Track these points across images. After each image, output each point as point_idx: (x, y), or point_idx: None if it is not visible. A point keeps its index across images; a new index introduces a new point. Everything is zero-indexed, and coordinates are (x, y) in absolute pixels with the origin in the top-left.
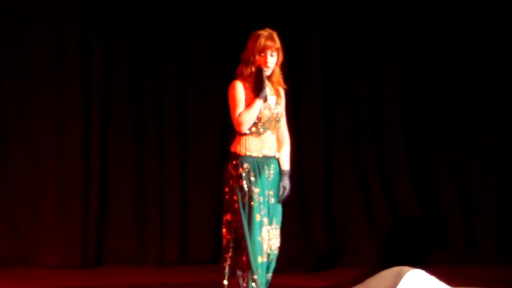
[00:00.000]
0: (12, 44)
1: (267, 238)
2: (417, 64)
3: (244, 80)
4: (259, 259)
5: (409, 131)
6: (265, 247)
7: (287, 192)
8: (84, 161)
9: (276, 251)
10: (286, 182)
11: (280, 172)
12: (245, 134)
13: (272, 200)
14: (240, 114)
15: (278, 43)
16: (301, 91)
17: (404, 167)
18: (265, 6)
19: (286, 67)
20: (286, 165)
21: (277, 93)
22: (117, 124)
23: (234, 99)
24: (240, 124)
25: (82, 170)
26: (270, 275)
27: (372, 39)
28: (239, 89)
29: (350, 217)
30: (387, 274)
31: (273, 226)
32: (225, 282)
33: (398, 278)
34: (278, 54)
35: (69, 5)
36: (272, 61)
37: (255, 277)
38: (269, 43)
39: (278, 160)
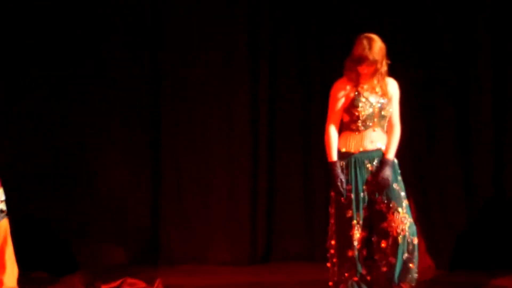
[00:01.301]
0: (180, 52)
1: (358, 233)
2: None
3: (349, 79)
4: (349, 253)
5: None
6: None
7: (384, 180)
8: (252, 160)
9: (403, 233)
10: (385, 170)
11: (381, 160)
12: (345, 131)
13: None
14: (327, 131)
15: (373, 55)
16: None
17: None
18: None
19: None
20: (389, 154)
21: (384, 92)
22: (283, 124)
23: (330, 103)
24: (324, 133)
25: (251, 169)
26: (406, 256)
27: None
28: (336, 94)
29: None
30: None
31: (392, 210)
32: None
33: None
34: (373, 65)
35: (238, 9)
36: (365, 71)
37: (344, 271)
38: (361, 56)
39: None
